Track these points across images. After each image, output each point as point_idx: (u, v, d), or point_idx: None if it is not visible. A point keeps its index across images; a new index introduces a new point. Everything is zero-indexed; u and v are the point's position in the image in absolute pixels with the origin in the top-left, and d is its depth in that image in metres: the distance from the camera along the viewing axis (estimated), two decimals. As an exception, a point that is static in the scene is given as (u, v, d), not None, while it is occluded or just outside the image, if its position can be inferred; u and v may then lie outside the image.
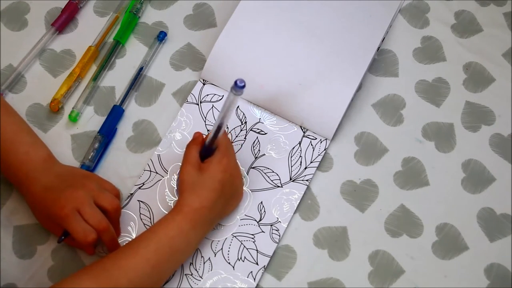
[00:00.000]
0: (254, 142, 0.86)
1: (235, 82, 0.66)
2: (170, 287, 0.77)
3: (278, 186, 0.83)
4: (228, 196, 0.78)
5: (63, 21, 0.91)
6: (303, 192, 0.83)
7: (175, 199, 0.82)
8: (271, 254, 0.80)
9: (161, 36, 0.91)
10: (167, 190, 0.83)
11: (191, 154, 0.77)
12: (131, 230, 0.81)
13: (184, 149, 0.78)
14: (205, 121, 0.87)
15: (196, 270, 0.79)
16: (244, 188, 0.83)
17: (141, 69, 0.89)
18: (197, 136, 0.79)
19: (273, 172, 0.84)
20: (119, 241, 0.79)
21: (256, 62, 0.87)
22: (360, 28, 0.88)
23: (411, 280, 0.80)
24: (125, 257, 0.70)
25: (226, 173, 0.76)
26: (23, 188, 0.77)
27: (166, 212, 0.81)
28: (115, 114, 0.86)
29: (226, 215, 0.81)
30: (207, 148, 0.77)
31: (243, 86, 0.67)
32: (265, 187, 0.83)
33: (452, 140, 0.87)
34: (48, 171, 0.77)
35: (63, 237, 0.76)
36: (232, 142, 0.86)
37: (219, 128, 0.73)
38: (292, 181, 0.84)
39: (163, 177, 0.84)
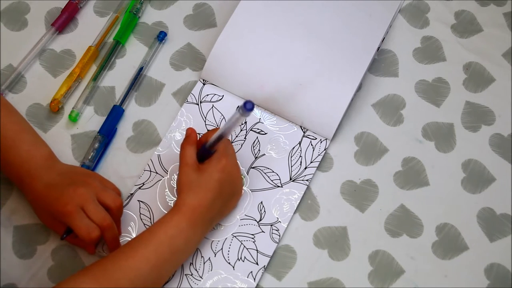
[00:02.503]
0: (254, 142, 0.86)
1: (245, 104, 0.66)
2: (170, 287, 0.77)
3: (278, 186, 0.83)
4: (227, 196, 0.78)
5: (63, 21, 0.91)
6: (303, 192, 0.83)
7: (175, 199, 0.82)
8: (271, 254, 0.80)
9: (161, 36, 0.91)
10: (167, 190, 0.83)
11: (188, 155, 0.76)
12: (131, 230, 0.81)
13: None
14: (205, 121, 0.87)
15: (196, 270, 0.79)
16: (244, 188, 0.83)
17: (141, 69, 0.89)
18: (189, 133, 0.77)
19: (273, 172, 0.84)
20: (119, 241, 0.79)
21: (256, 62, 0.87)
22: (360, 28, 0.88)
23: (411, 280, 0.80)
24: (125, 258, 0.70)
25: (224, 172, 0.75)
26: (25, 186, 0.77)
27: (166, 212, 0.81)
28: (115, 114, 0.86)
29: (226, 215, 0.81)
30: (206, 150, 0.76)
31: (252, 109, 0.66)
32: (265, 187, 0.83)
33: (452, 140, 0.87)
34: (50, 169, 0.77)
35: (65, 235, 0.76)
36: (232, 142, 0.86)
37: (221, 137, 0.73)
38: (292, 181, 0.84)
39: (163, 177, 0.84)
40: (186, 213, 0.73)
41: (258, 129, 0.87)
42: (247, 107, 0.66)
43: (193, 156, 0.76)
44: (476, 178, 0.85)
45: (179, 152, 0.79)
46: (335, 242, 0.81)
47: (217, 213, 0.78)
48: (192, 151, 0.76)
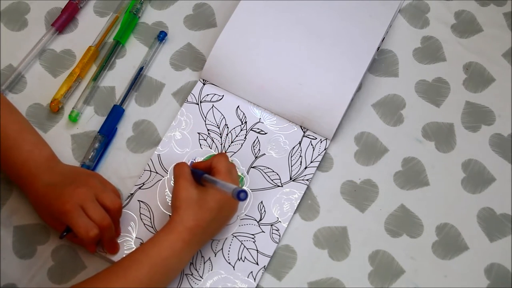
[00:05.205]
0: (254, 142, 0.86)
1: (238, 193, 0.66)
2: (170, 287, 0.77)
3: (278, 186, 0.83)
4: (224, 218, 0.78)
5: (63, 21, 0.91)
6: (303, 192, 0.83)
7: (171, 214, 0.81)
8: (271, 254, 0.80)
9: (161, 36, 0.91)
10: (167, 190, 0.83)
11: (184, 171, 0.76)
12: (131, 230, 0.81)
13: (173, 167, 0.78)
14: (205, 121, 0.87)
15: (196, 270, 0.79)
16: (244, 187, 0.83)
17: (141, 69, 0.89)
18: (183, 161, 0.79)
19: (273, 171, 0.84)
20: (119, 241, 0.79)
21: (256, 62, 0.87)
22: (360, 28, 0.89)
23: (411, 280, 0.80)
24: (117, 280, 0.70)
25: (226, 195, 0.75)
26: (26, 186, 0.77)
27: (167, 212, 0.81)
28: (115, 114, 0.86)
29: (219, 232, 0.80)
30: (198, 174, 0.76)
31: (245, 199, 0.66)
32: (265, 186, 0.83)
33: (452, 140, 0.87)
34: (52, 169, 0.77)
35: (65, 233, 0.76)
36: (232, 142, 0.86)
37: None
38: (292, 180, 0.84)
39: (163, 177, 0.84)
40: (182, 233, 0.72)
41: (258, 129, 0.87)
42: (241, 197, 0.66)
43: (190, 172, 0.76)
44: (476, 178, 0.85)
45: (179, 152, 0.79)
46: (335, 242, 0.81)
47: (212, 233, 0.78)
48: (188, 168, 0.76)
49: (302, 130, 0.86)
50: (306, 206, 0.83)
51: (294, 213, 0.82)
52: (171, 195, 0.82)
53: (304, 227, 0.82)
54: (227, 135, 0.86)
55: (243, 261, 0.79)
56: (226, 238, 0.81)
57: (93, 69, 0.90)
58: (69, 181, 0.76)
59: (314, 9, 0.89)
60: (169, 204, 0.82)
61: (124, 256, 0.75)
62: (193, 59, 0.91)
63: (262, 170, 0.84)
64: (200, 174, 0.76)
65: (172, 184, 0.83)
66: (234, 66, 0.87)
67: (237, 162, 0.84)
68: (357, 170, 0.85)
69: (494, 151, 0.87)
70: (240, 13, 0.89)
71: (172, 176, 0.83)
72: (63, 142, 0.85)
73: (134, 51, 0.92)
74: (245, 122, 0.87)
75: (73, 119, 0.86)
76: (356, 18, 0.89)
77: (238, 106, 0.88)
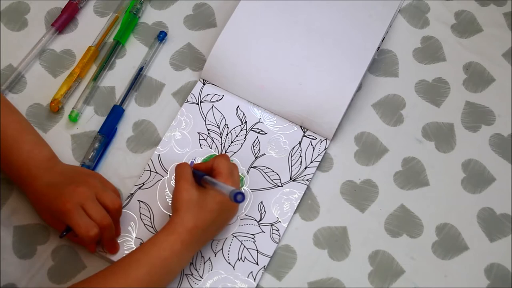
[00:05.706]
0: (254, 142, 0.86)
1: (235, 196, 0.65)
2: (170, 287, 0.77)
3: (278, 186, 0.83)
4: (224, 219, 0.78)
5: (63, 21, 0.91)
6: (303, 192, 0.83)
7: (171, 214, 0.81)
8: (271, 254, 0.80)
9: (161, 36, 0.91)
10: (167, 190, 0.83)
11: (186, 172, 0.76)
12: (131, 230, 0.81)
13: (175, 168, 0.77)
14: (205, 121, 0.87)
15: (196, 270, 0.79)
16: (244, 187, 0.83)
17: (141, 69, 0.89)
18: (185, 162, 0.79)
19: (273, 171, 0.84)
20: (119, 241, 0.79)
21: (256, 62, 0.87)
22: (360, 28, 0.89)
23: (411, 280, 0.80)
24: (116, 279, 0.70)
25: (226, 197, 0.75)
26: (26, 186, 0.78)
27: (166, 212, 0.81)
28: (115, 114, 0.86)
29: (219, 233, 0.80)
30: (198, 176, 0.76)
31: (242, 201, 0.66)
32: (265, 186, 0.83)
33: (452, 140, 0.87)
34: (52, 169, 0.77)
35: (65, 233, 0.76)
36: (232, 142, 0.86)
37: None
38: (292, 180, 0.84)
39: (163, 177, 0.84)
40: (181, 234, 0.72)
41: (258, 129, 0.87)
42: (238, 199, 0.65)
43: (191, 174, 0.76)
44: (476, 178, 0.85)
45: (179, 152, 0.78)
46: (335, 242, 0.81)
47: (212, 234, 0.78)
48: (189, 169, 0.76)
49: (302, 130, 0.86)
50: (306, 206, 0.83)
51: (294, 213, 0.82)
52: (171, 195, 0.82)
53: (304, 227, 0.82)
54: (227, 135, 0.86)
55: (243, 261, 0.79)
56: (226, 238, 0.81)
57: (93, 69, 0.90)
58: (69, 180, 0.76)
59: (314, 9, 0.89)
60: (169, 204, 0.82)
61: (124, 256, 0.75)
62: (193, 59, 0.91)
63: (262, 170, 0.84)
64: (201, 175, 0.76)
65: (172, 184, 0.83)
66: (234, 66, 0.87)
67: (237, 162, 0.85)
68: (357, 170, 0.85)
69: (494, 151, 0.87)
70: (240, 13, 0.89)
71: (172, 176, 0.83)
72: (63, 142, 0.85)
73: (134, 51, 0.92)
74: (245, 122, 0.87)
75: (73, 119, 0.86)
76: (356, 18, 0.89)
77: (238, 106, 0.88)
